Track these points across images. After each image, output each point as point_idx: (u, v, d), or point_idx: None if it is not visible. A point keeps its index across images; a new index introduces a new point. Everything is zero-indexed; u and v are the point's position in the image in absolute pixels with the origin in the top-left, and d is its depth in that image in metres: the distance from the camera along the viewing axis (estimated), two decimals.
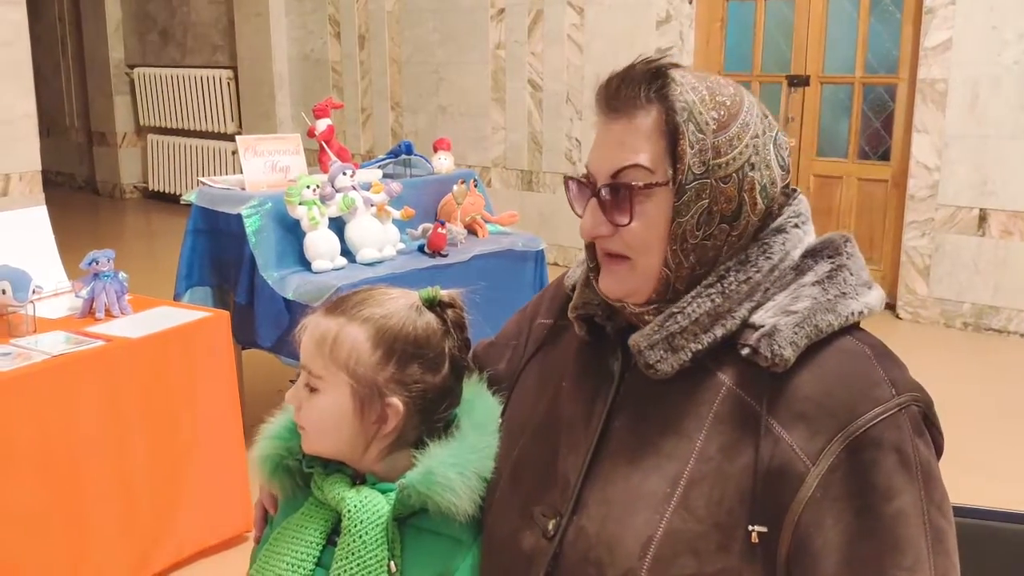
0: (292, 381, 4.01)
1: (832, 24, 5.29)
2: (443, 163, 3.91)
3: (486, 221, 3.82)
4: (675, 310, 1.02)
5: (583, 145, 6.13)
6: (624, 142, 1.01)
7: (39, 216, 2.91)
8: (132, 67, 8.64)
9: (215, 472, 2.72)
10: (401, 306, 1.16)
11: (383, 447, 1.15)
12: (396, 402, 1.13)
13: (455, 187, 3.68)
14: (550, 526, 1.04)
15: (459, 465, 1.10)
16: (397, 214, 3.43)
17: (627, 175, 1.01)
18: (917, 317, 4.98)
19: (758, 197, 1.02)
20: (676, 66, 1.03)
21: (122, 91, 8.71)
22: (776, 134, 1.05)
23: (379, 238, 3.35)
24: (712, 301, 1.01)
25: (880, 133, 5.22)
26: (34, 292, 2.53)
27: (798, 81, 5.37)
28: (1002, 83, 4.66)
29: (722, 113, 1.01)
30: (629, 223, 1.01)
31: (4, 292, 2.48)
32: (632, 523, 0.99)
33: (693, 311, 1.01)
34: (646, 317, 1.05)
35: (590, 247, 1.09)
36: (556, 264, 6.09)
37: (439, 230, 3.46)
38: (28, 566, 2.29)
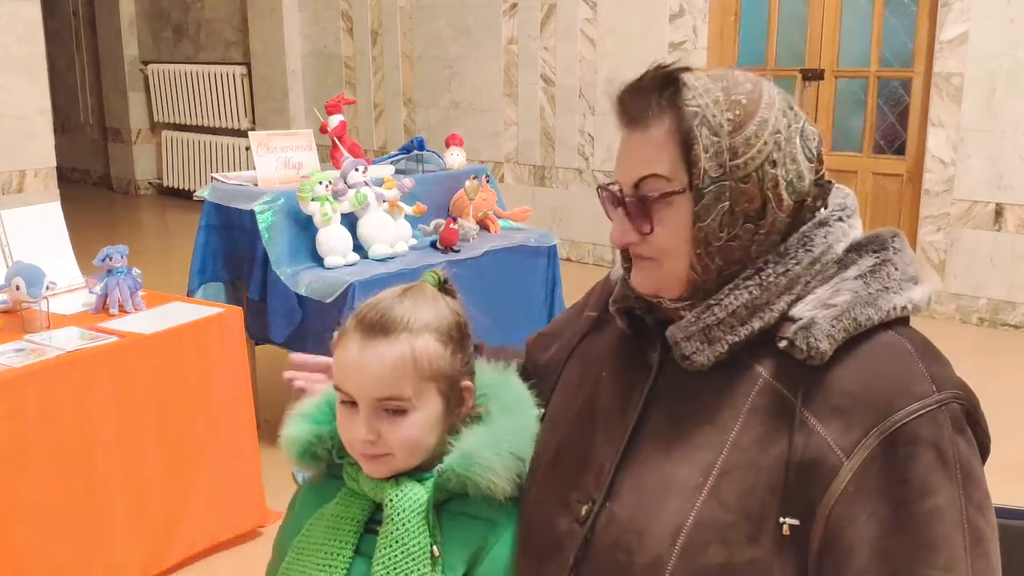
0: None
1: (846, 17, 5.26)
2: (455, 159, 3.90)
3: (498, 217, 3.81)
4: (712, 302, 1.03)
5: (596, 140, 6.12)
6: (641, 152, 1.03)
7: (53, 212, 2.92)
8: (146, 63, 8.67)
9: (228, 467, 2.73)
10: (431, 299, 1.18)
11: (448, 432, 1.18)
12: (468, 383, 1.18)
13: (467, 183, 3.67)
14: (583, 511, 1.06)
15: (494, 446, 1.12)
16: (409, 210, 3.42)
17: (647, 185, 1.03)
18: (932, 313, 4.94)
19: (783, 193, 1.02)
20: (688, 70, 1.03)
21: (136, 87, 8.74)
22: (803, 125, 1.04)
23: (391, 234, 3.35)
24: (750, 293, 1.02)
25: (895, 127, 5.18)
26: (48, 288, 2.55)
27: (812, 75, 5.34)
28: (1019, 77, 4.62)
29: (738, 113, 1.01)
30: (651, 232, 1.03)
31: (18, 288, 2.50)
32: (663, 511, 1.00)
33: (730, 303, 1.02)
34: (682, 312, 1.06)
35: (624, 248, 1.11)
36: (569, 260, 6.07)
37: (451, 226, 3.46)
38: (42, 561, 2.30)
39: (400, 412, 1.12)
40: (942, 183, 4.89)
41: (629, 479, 1.04)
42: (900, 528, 0.92)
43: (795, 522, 0.94)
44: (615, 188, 1.07)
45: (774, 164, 1.01)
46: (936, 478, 0.93)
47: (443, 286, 1.22)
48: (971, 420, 0.99)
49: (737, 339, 1.02)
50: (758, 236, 1.02)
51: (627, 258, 1.11)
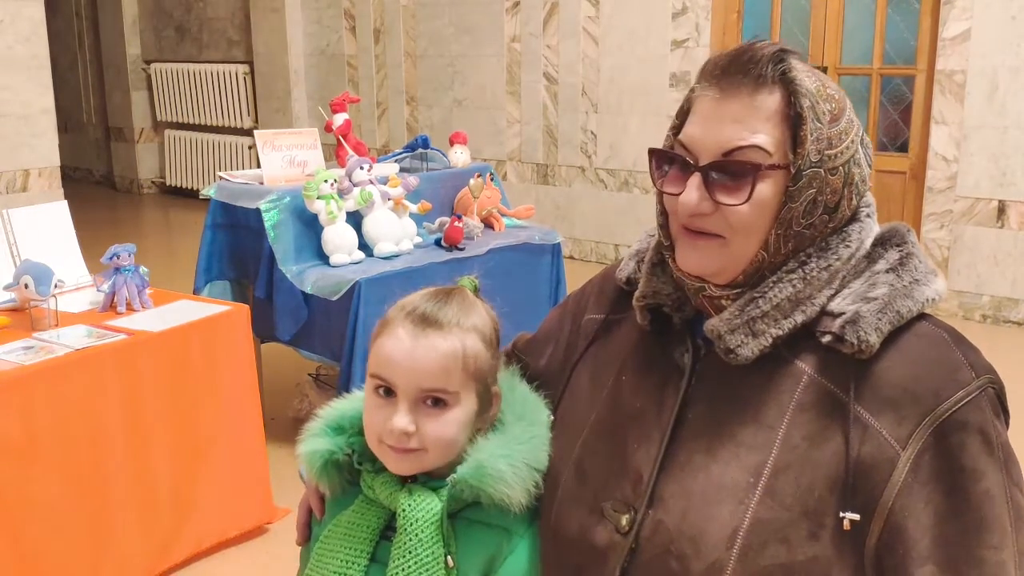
0: (311, 375, 3.97)
1: (850, 14, 5.27)
2: (459, 157, 3.91)
3: (503, 215, 3.82)
4: (756, 295, 1.02)
5: (599, 138, 6.13)
6: (742, 120, 1.00)
7: (60, 211, 2.94)
8: (149, 62, 8.69)
9: (235, 464, 2.74)
10: (472, 303, 1.18)
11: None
12: (497, 388, 1.18)
13: (472, 181, 3.68)
14: (623, 521, 1.04)
15: (508, 456, 1.11)
16: (414, 208, 3.43)
17: (744, 154, 0.99)
18: (935, 310, 4.94)
19: (854, 192, 1.04)
20: (794, 52, 1.02)
21: (139, 86, 8.76)
22: (863, 133, 1.07)
23: (396, 232, 3.36)
24: (793, 286, 1.02)
25: (898, 124, 5.19)
26: (56, 286, 2.56)
27: None
28: (1021, 74, 4.63)
29: (833, 106, 1.02)
30: (744, 203, 0.99)
31: (27, 286, 2.51)
32: (716, 514, 0.99)
33: (775, 296, 1.02)
34: (723, 302, 1.05)
35: (664, 225, 1.08)
36: (572, 257, 6.08)
37: (456, 224, 3.46)
38: (50, 557, 2.32)
39: (441, 405, 1.11)
40: (945, 180, 4.90)
41: (673, 484, 1.03)
42: (956, 513, 0.95)
43: (856, 517, 0.95)
44: (685, 154, 1.02)
45: (854, 163, 1.03)
46: (984, 462, 0.96)
47: (477, 291, 1.22)
48: (1001, 401, 1.02)
49: (781, 332, 1.01)
50: (827, 228, 1.03)
51: (668, 237, 1.07)
